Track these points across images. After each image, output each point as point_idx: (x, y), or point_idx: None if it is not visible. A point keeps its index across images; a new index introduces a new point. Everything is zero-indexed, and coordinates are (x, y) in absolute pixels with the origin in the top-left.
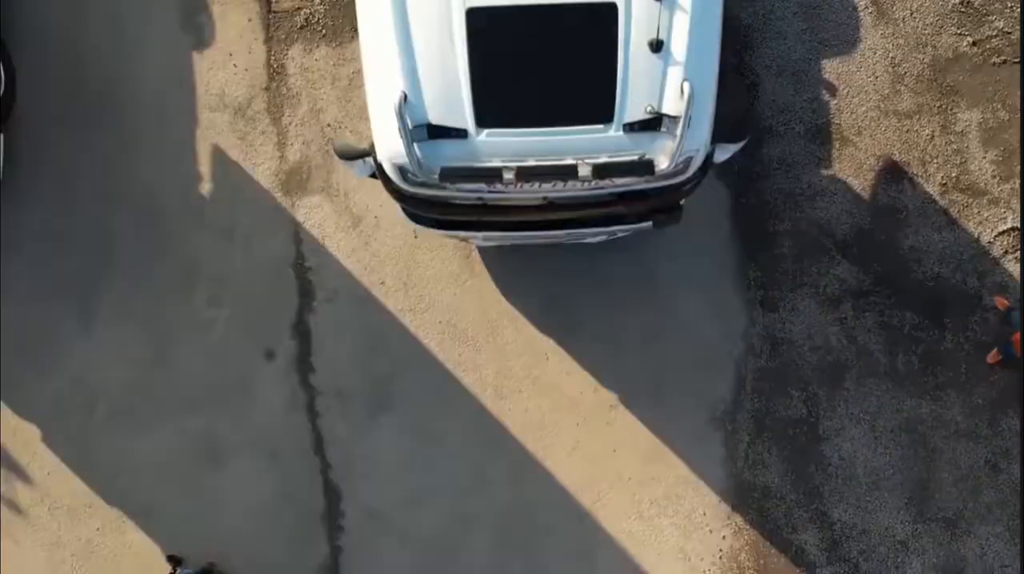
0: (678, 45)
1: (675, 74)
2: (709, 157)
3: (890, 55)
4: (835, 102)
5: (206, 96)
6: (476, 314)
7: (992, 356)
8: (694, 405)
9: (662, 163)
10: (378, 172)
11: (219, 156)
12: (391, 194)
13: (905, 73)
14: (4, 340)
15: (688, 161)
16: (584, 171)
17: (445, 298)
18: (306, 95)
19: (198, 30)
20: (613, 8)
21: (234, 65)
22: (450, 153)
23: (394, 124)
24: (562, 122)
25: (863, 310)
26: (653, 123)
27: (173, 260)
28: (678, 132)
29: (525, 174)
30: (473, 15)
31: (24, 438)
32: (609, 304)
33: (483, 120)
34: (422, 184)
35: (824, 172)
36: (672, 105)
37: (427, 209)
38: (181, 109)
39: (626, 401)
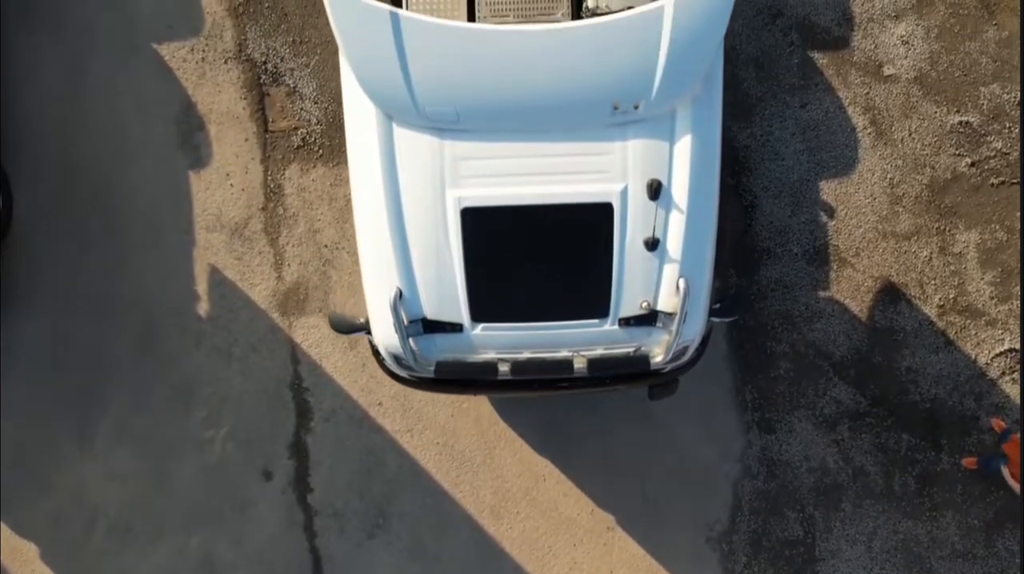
0: (673, 242)
1: (671, 271)
2: (705, 338)
3: (888, 176)
4: (833, 223)
5: (203, 216)
6: (473, 436)
7: (968, 461)
8: (691, 526)
9: (657, 356)
10: (373, 353)
11: (216, 276)
12: (385, 372)
13: (903, 194)
14: (3, 458)
15: (684, 350)
16: (579, 365)
17: (442, 419)
18: (303, 215)
19: (195, 149)
20: (608, 208)
21: (231, 185)
22: (445, 345)
23: (390, 317)
24: (557, 318)
25: (860, 431)
26: (649, 317)
27: (171, 379)
28: (674, 328)
29: (520, 368)
30: (467, 215)
31: (23, 557)
32: (606, 426)
33: (478, 315)
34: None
35: (822, 294)
36: (667, 301)
37: (421, 383)
38: (178, 228)
39: (623, 522)
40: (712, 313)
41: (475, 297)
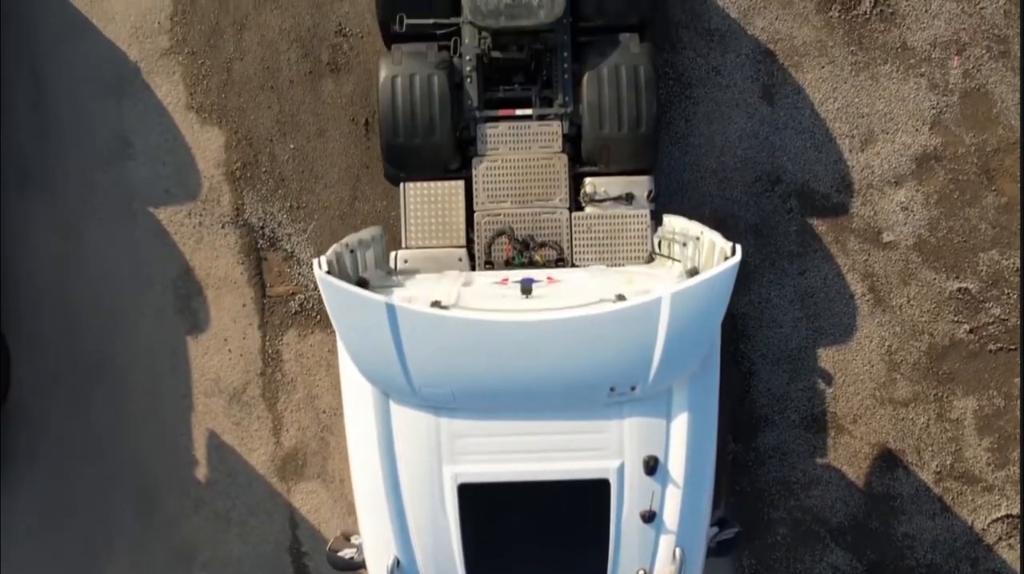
0: (670, 514)
1: (667, 542)
2: None
3: (887, 343)
4: (831, 390)
5: (201, 381)
6: None
7: None
8: None
9: None
10: None
11: (215, 440)
12: None
13: (901, 361)
14: None
15: None
16: None
17: None
18: (301, 381)
19: (193, 314)
20: (605, 484)
21: (229, 350)
22: None
23: None
24: None
25: None
26: None
27: (170, 542)
28: None
29: None
30: (464, 491)
31: None
32: None
33: None
34: None
35: (819, 461)
36: (664, 568)
37: None
38: (176, 393)
39: None
40: (709, 553)
41: (472, 568)
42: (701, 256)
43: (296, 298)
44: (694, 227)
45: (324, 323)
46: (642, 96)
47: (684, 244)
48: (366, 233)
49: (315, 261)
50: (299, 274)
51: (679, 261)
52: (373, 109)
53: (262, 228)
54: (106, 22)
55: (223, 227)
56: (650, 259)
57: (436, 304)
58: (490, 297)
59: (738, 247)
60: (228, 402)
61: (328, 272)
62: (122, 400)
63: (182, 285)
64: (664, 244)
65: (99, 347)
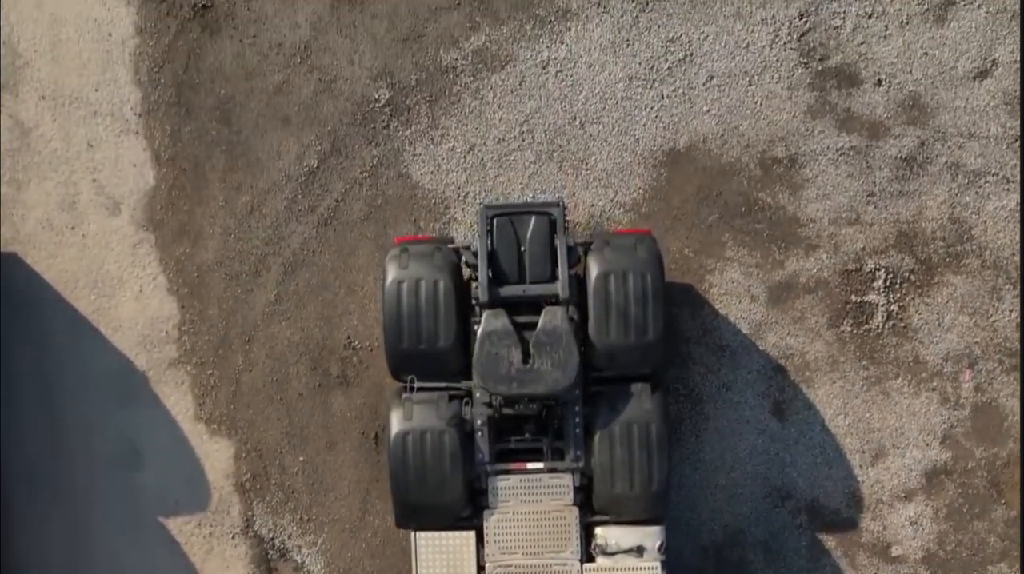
0: None
1: None
2: None
3: None
4: None
5: None
6: None
7: None
8: None
9: None
10: None
11: None
12: None
13: None
14: None
15: None
16: None
17: None
18: None
19: None
20: None
21: None
22: None
23: None
24: None
25: None
26: None
27: None
28: None
29: None
30: None
31: None
32: None
33: None
34: None
35: None
36: None
37: None
38: None
39: None
40: None
41: None
42: None
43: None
44: None
45: None
46: (654, 454)
47: None
48: None
49: None
50: None
51: None
52: (383, 424)
53: (272, 539)
54: (113, 330)
55: (233, 538)
56: None
57: None
58: None
59: None
60: None
61: None
62: None
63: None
64: None
65: None
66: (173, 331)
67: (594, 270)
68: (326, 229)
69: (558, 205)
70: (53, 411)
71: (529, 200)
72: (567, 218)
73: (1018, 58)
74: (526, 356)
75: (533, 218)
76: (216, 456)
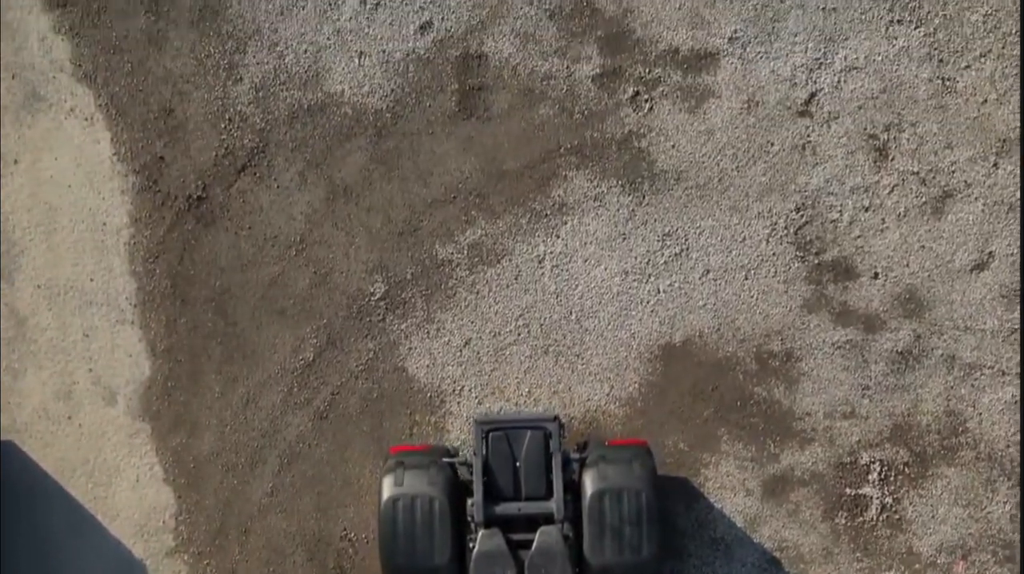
0: None
1: None
2: None
3: None
4: None
5: None
6: None
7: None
8: None
9: None
10: None
11: None
12: None
13: None
14: None
15: None
16: None
17: None
18: None
19: None
20: None
21: None
22: None
23: None
24: None
25: None
26: None
27: None
28: None
29: None
30: None
31: None
32: None
33: None
34: None
35: None
36: None
37: None
38: None
39: None
40: None
41: None
42: None
43: None
44: None
45: None
46: None
47: None
48: None
49: None
50: None
51: None
52: None
53: None
54: (111, 518)
55: None
56: None
57: None
58: None
59: None
60: None
61: None
62: None
63: None
64: None
65: None
66: (170, 521)
67: (589, 488)
68: (322, 422)
69: (554, 420)
70: None
71: (524, 410)
72: (563, 429)
73: (1015, 250)
74: None
75: (528, 432)
76: None
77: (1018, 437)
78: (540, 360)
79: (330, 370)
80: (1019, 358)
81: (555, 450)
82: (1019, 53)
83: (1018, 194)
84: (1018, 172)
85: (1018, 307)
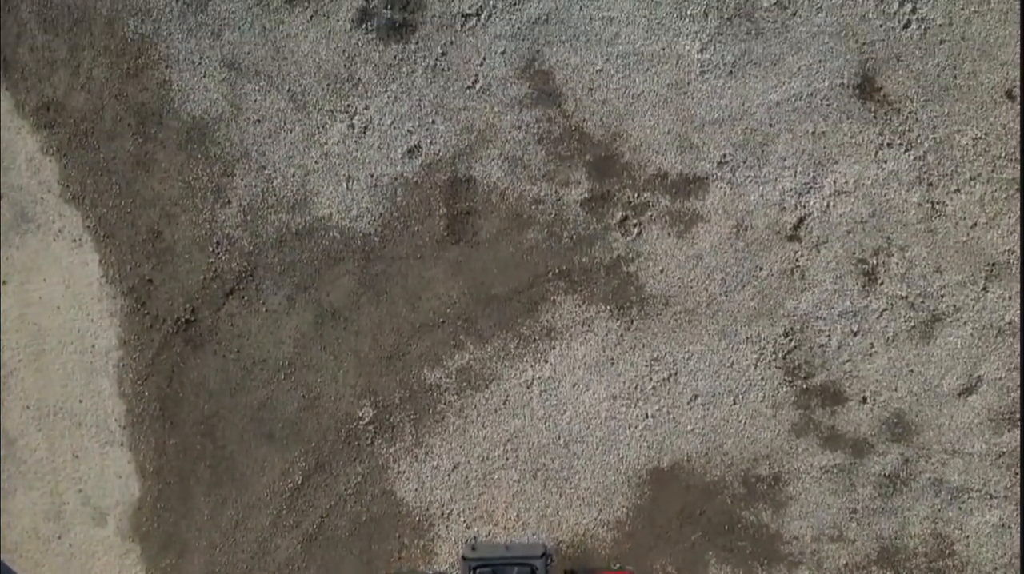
0: None
1: None
2: None
3: None
4: None
5: None
6: None
7: None
8: None
9: None
10: None
11: None
12: None
13: None
14: None
15: None
16: None
17: None
18: None
19: None
20: None
21: None
22: None
23: None
24: None
25: None
26: None
27: None
28: None
29: None
30: None
31: None
32: None
33: None
34: None
35: None
36: None
37: None
38: None
39: None
40: None
41: None
42: None
43: None
44: None
45: None
46: None
47: None
48: None
49: None
50: None
51: None
52: None
53: None
54: None
55: None
56: None
57: None
58: None
59: None
60: None
61: None
62: None
63: None
64: None
65: None
66: None
67: None
68: (311, 545)
69: (542, 555)
70: None
71: (513, 540)
72: (551, 562)
73: (1003, 374)
74: None
75: (515, 569)
76: None
77: (1005, 560)
78: (528, 484)
79: (319, 493)
80: (1007, 481)
81: None
82: (1020, 50)
83: (1007, 318)
84: (1008, 296)
85: (1006, 431)
